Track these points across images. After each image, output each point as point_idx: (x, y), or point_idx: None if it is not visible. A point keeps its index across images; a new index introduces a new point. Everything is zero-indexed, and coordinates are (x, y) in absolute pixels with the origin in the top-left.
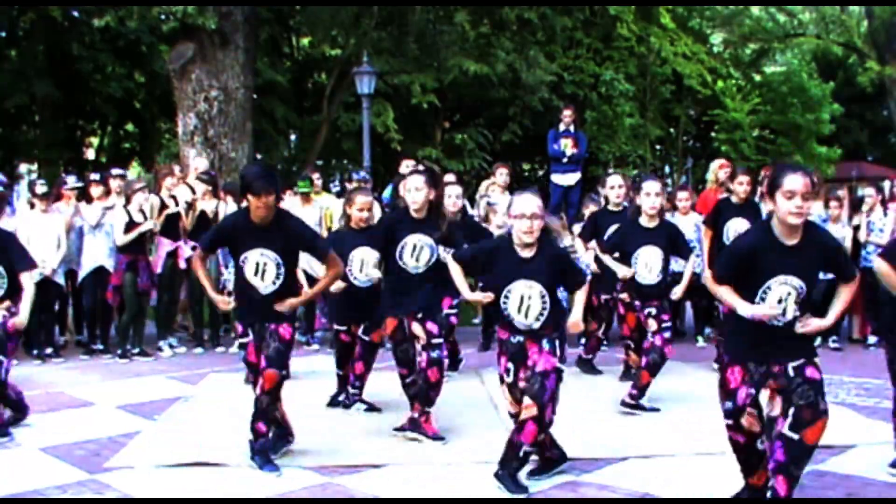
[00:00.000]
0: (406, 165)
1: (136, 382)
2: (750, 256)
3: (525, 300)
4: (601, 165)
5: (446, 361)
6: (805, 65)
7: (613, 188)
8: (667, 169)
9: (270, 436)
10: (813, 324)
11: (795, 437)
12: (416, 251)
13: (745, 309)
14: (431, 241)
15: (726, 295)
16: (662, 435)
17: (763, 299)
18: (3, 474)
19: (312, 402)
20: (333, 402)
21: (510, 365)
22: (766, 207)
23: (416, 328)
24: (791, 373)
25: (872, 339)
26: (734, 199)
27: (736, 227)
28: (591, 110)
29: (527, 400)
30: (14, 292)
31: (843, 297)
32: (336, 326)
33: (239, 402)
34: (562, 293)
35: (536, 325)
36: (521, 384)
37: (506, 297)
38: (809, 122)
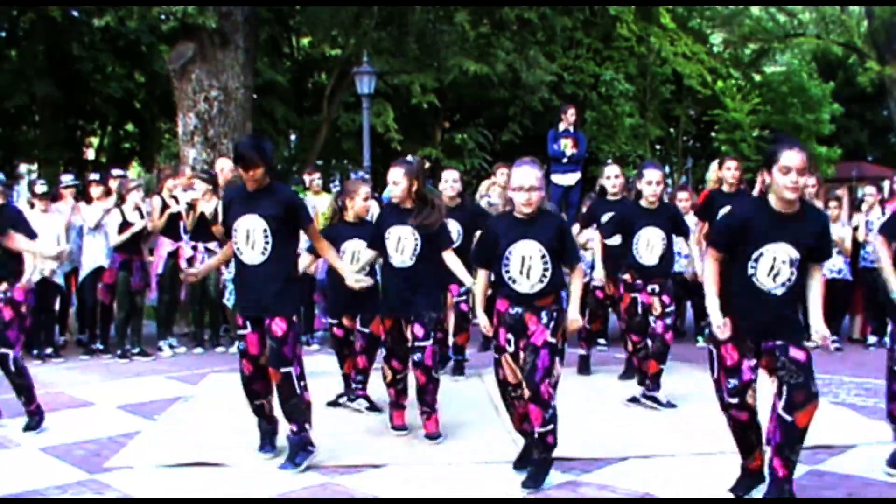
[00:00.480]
0: None
1: (136, 382)
2: (744, 224)
3: (526, 260)
4: (601, 165)
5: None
6: (805, 65)
7: (610, 178)
8: (667, 169)
9: (296, 438)
10: (822, 337)
11: (789, 418)
12: (400, 244)
13: (716, 317)
14: (416, 231)
15: (709, 289)
16: (662, 435)
17: (755, 266)
18: (3, 474)
19: (312, 402)
20: (334, 403)
21: (510, 336)
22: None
23: (408, 331)
24: (777, 352)
25: (872, 339)
26: (725, 187)
27: None
28: (591, 110)
29: (524, 383)
30: (12, 273)
31: (818, 288)
32: (329, 320)
33: (239, 402)
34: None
35: (538, 288)
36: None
37: (507, 258)
38: (809, 122)
